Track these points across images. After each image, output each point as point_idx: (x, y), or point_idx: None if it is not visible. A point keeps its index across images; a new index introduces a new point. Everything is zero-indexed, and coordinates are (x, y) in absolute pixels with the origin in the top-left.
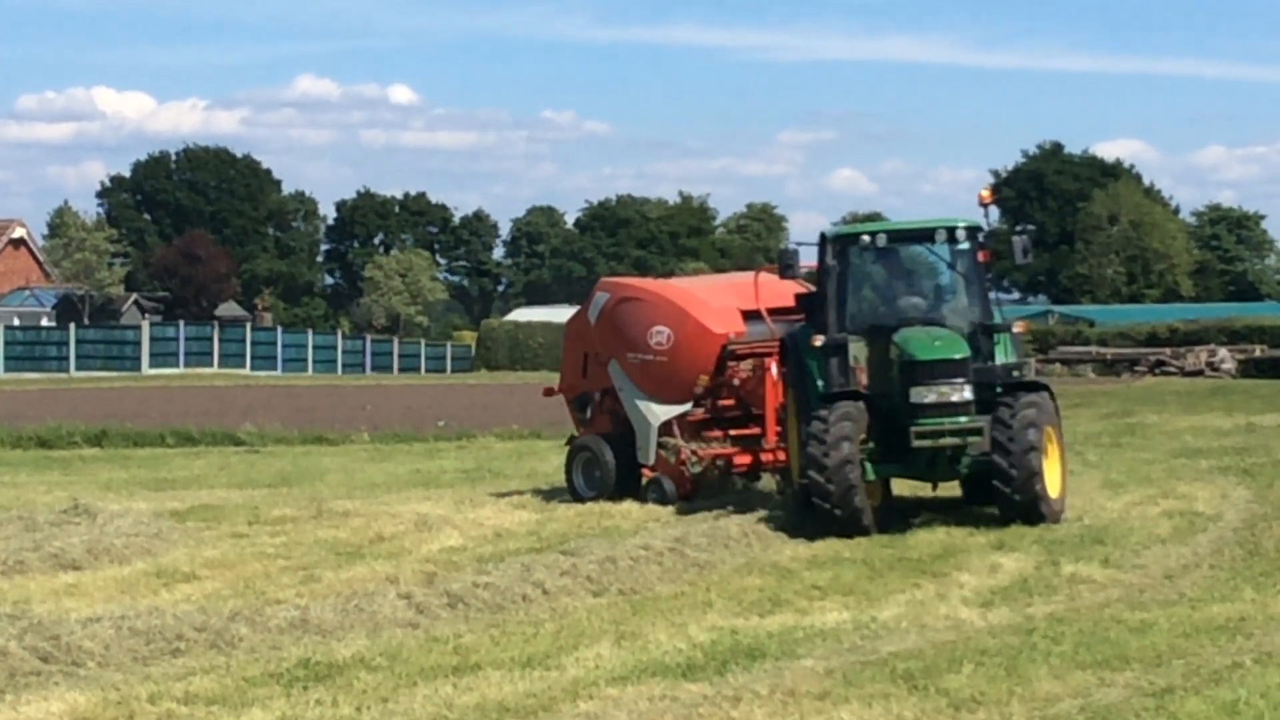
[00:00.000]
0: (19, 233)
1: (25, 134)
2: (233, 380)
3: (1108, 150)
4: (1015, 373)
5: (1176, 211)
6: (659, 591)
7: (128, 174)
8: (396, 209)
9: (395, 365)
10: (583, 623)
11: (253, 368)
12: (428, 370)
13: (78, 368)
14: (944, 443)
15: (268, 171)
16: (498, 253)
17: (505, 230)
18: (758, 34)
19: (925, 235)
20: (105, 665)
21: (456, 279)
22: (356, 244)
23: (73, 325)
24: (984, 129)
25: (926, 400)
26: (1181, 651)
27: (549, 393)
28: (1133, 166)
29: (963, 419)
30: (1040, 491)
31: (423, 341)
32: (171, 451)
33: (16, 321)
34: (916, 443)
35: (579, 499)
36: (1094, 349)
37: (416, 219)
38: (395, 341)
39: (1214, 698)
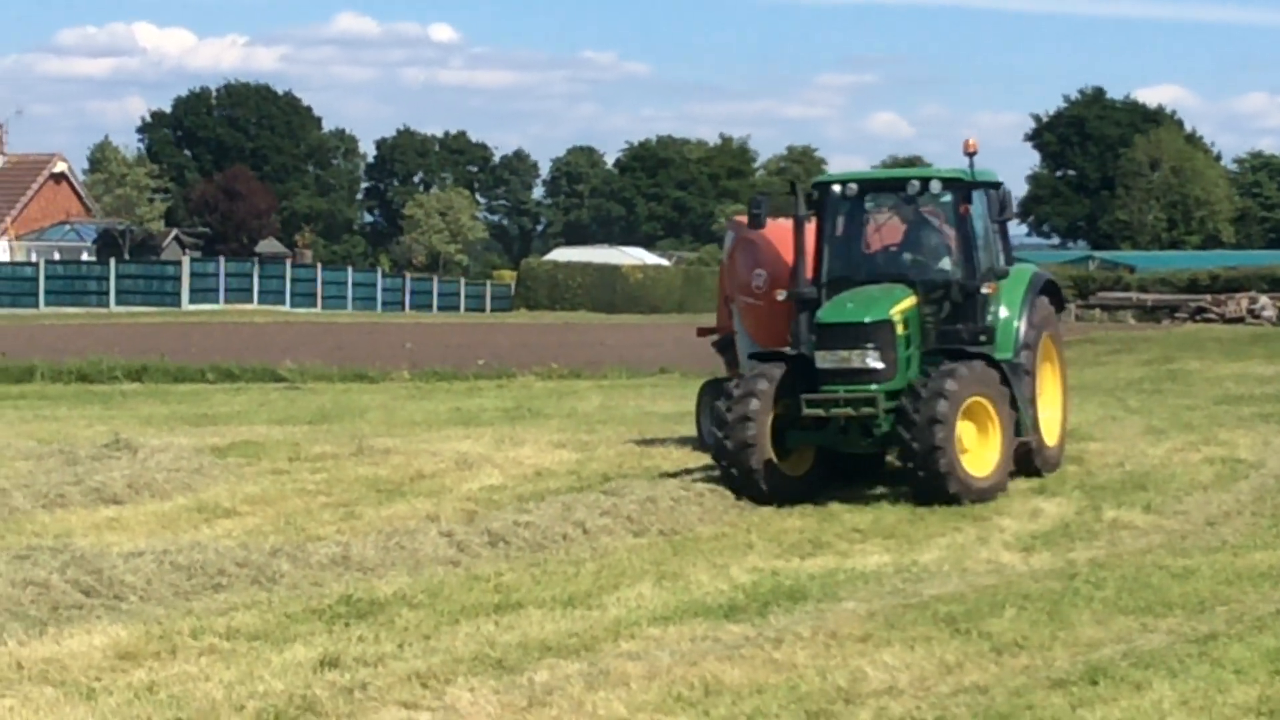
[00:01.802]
0: (60, 167)
1: (66, 69)
2: (272, 317)
3: (1149, 96)
4: (982, 337)
5: (1218, 158)
6: (699, 532)
7: (168, 110)
8: (436, 147)
9: (434, 304)
10: (623, 562)
11: (292, 304)
12: (467, 309)
13: (118, 303)
14: (836, 413)
15: (308, 108)
16: (537, 192)
17: (545, 170)
18: None
19: (899, 186)
20: (147, 599)
21: (496, 218)
22: (396, 182)
23: (113, 260)
24: (1025, 74)
25: (826, 365)
26: (1224, 598)
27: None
28: (1174, 112)
29: (873, 387)
30: (944, 467)
31: (462, 280)
32: (212, 387)
33: (57, 256)
34: (806, 410)
35: (704, 444)
36: (1134, 295)
37: (456, 158)
38: (435, 280)
39: (1257, 644)
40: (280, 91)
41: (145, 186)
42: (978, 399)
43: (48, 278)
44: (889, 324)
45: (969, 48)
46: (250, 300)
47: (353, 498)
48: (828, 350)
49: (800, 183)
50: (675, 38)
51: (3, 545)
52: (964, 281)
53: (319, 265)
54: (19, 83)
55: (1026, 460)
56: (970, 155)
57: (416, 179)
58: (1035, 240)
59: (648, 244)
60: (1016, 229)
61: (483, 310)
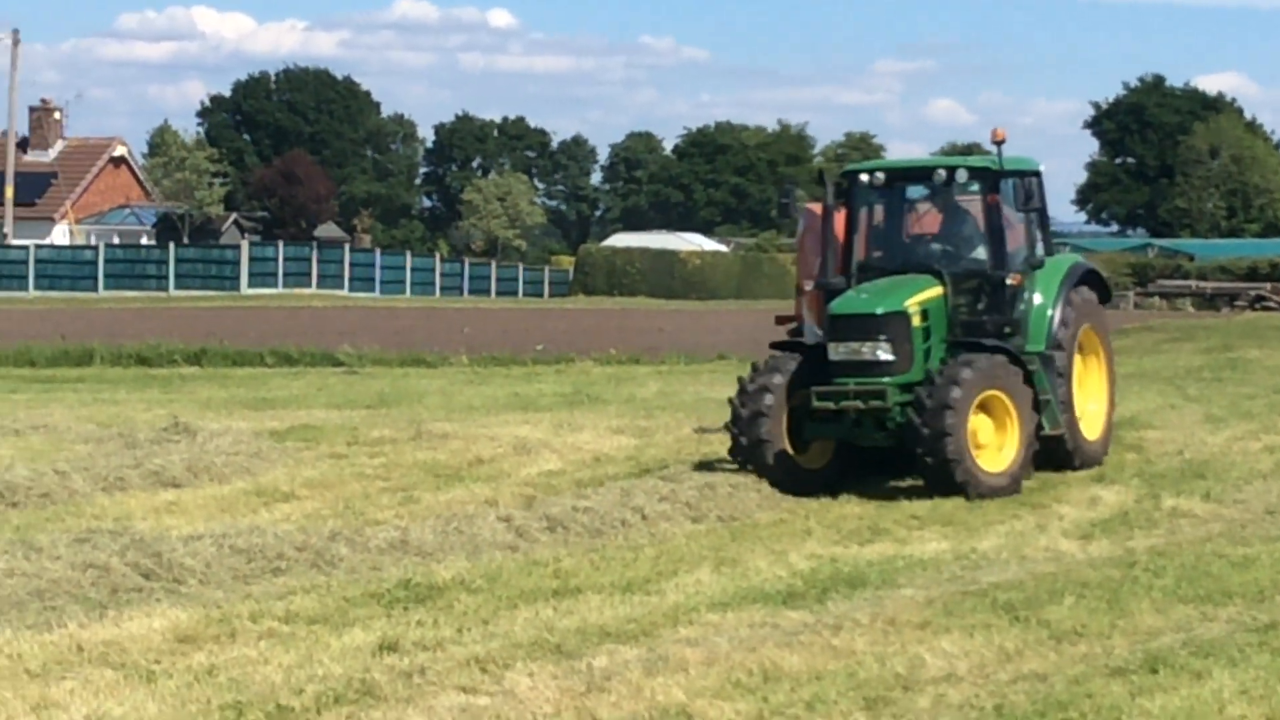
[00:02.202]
0: (119, 151)
1: (125, 53)
2: (331, 301)
3: (1209, 83)
4: (1007, 329)
5: (1278, 146)
6: (758, 519)
7: (228, 94)
8: (495, 133)
9: (493, 289)
10: (682, 548)
11: (351, 289)
12: (525, 294)
13: (177, 286)
14: (846, 405)
15: (367, 93)
16: (595, 178)
17: (603, 155)
18: None
19: (927, 174)
20: (206, 582)
21: (554, 204)
22: (455, 167)
23: (172, 244)
24: (1084, 61)
25: (837, 357)
26: None
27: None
28: (1234, 100)
29: (885, 380)
30: (952, 454)
31: (520, 265)
32: (270, 371)
33: (117, 239)
34: (816, 403)
35: None
36: (1193, 283)
37: (515, 143)
38: (493, 265)
39: None
40: (339, 76)
41: (204, 171)
42: (995, 393)
43: (107, 261)
44: (903, 316)
45: (1028, 34)
46: (309, 285)
47: (411, 482)
48: (839, 342)
49: (828, 171)
50: (734, 23)
51: (63, 528)
52: (990, 272)
53: (377, 250)
54: (79, 67)
55: (1060, 454)
56: (998, 144)
57: (475, 164)
58: (1094, 228)
59: (706, 230)
60: (1074, 217)
61: (541, 295)
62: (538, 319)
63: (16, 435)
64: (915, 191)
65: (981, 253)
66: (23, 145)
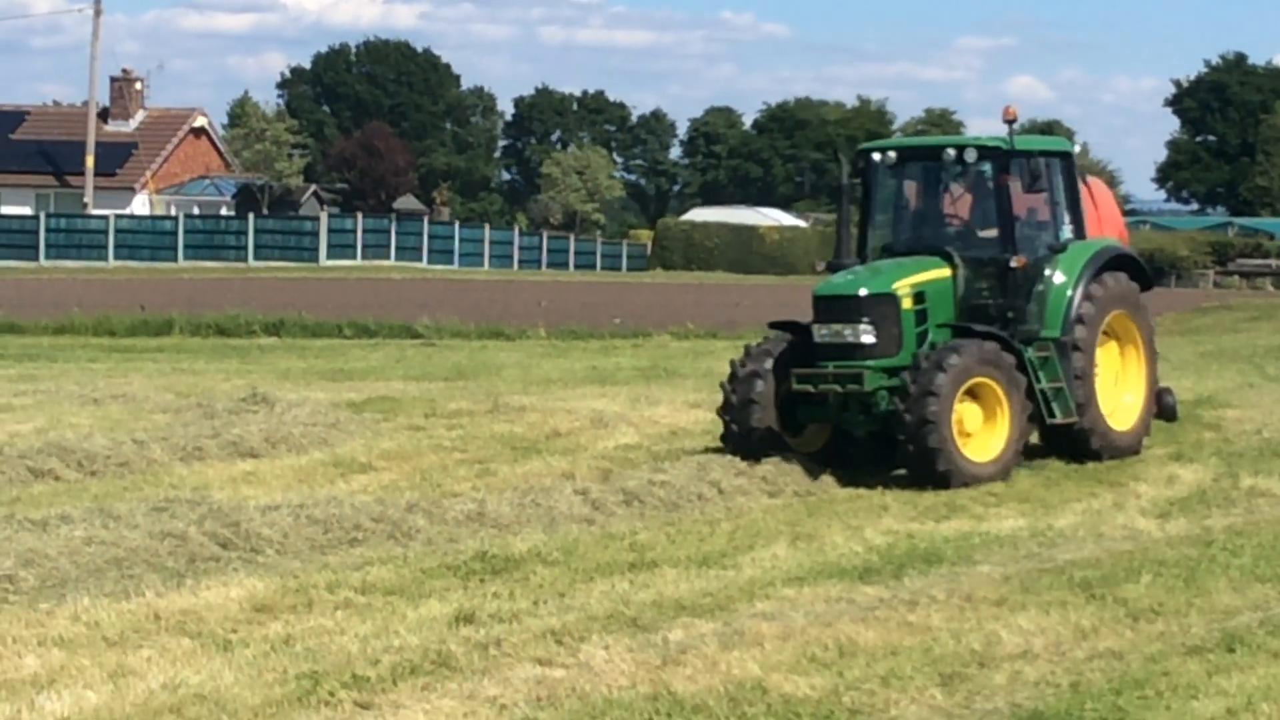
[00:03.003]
0: (200, 122)
1: (206, 24)
2: (409, 273)
3: None
4: (1010, 314)
5: None
6: (834, 494)
7: (308, 66)
8: (574, 106)
9: (571, 262)
10: (758, 523)
11: (429, 261)
12: (603, 268)
13: (256, 257)
14: (824, 388)
15: (447, 66)
16: (674, 152)
17: (682, 130)
18: None
19: (936, 154)
20: (284, 552)
21: (633, 178)
22: (534, 140)
23: (252, 215)
24: (1165, 38)
25: (820, 339)
26: None
27: None
28: None
29: (869, 363)
30: (934, 443)
31: (599, 239)
32: (348, 343)
33: (196, 210)
34: (795, 386)
35: None
36: (1273, 262)
37: (594, 117)
38: (571, 239)
39: None
40: (419, 49)
41: (284, 142)
42: (985, 380)
43: (187, 232)
44: (890, 298)
45: (1109, 11)
46: (387, 257)
47: (488, 455)
48: (822, 324)
49: (843, 151)
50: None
51: (141, 497)
52: (996, 255)
53: (456, 222)
54: (160, 38)
55: (1080, 444)
56: (1009, 123)
57: (554, 138)
58: (1174, 206)
59: (785, 205)
60: (1154, 195)
61: (619, 269)
62: (615, 293)
63: (96, 405)
64: (928, 171)
65: (981, 232)
66: (104, 115)
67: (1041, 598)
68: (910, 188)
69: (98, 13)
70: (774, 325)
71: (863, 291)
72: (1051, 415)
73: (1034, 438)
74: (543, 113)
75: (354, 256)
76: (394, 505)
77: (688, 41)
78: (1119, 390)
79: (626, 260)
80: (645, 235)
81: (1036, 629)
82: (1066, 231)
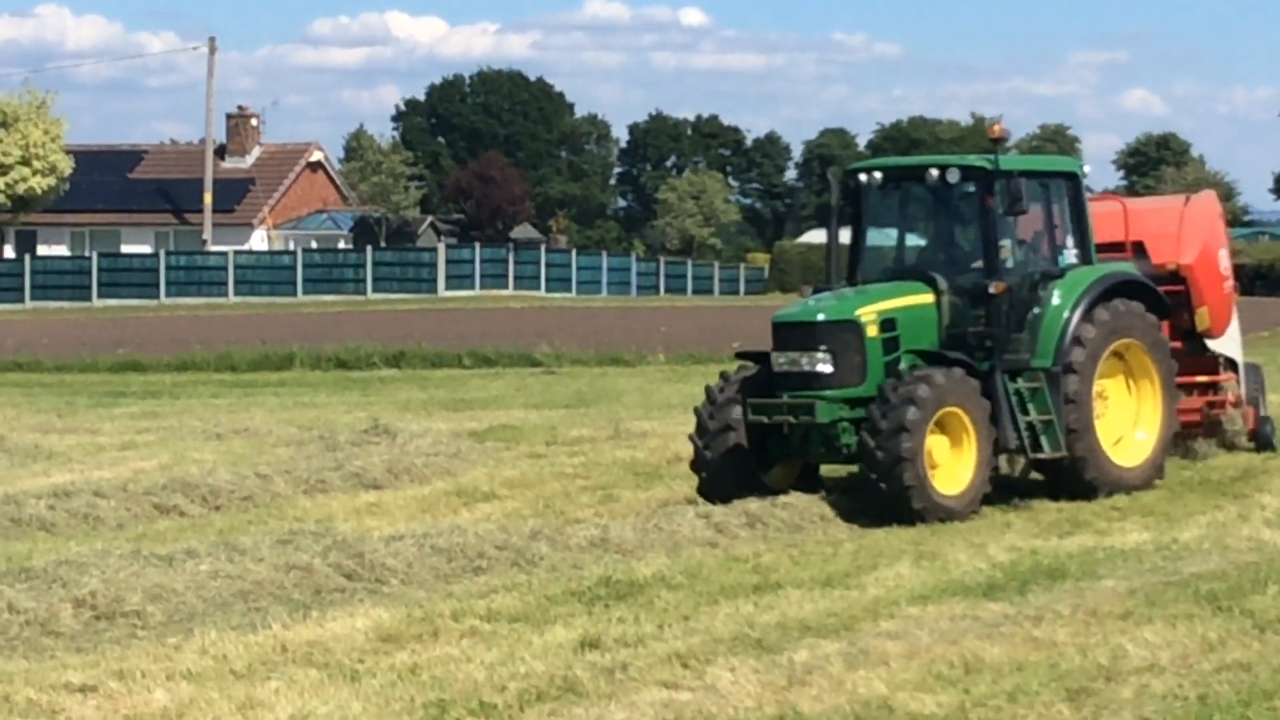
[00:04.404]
0: (316, 156)
1: (319, 59)
2: (528, 302)
3: None
4: (988, 342)
5: None
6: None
7: (422, 98)
8: (688, 131)
9: (689, 287)
10: (881, 543)
11: (547, 289)
12: (721, 292)
13: (374, 290)
14: (778, 419)
15: (560, 94)
16: (789, 175)
17: (797, 152)
18: None
19: (920, 174)
20: (408, 582)
21: (749, 201)
22: (649, 166)
23: (369, 247)
24: None
25: (778, 368)
26: None
27: None
28: None
29: (825, 393)
30: (909, 480)
31: (716, 263)
32: (468, 372)
33: (314, 244)
34: (750, 416)
35: None
36: None
37: (708, 141)
38: (688, 263)
39: None
40: (532, 78)
41: (400, 174)
42: (953, 409)
43: (305, 266)
44: (852, 325)
45: (1225, 23)
46: (505, 286)
47: (610, 480)
48: (780, 351)
49: (834, 170)
50: (926, 18)
51: (266, 530)
52: (978, 281)
53: (573, 250)
54: (274, 74)
55: (1072, 480)
56: (995, 141)
57: (669, 163)
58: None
59: None
60: (1272, 205)
61: (737, 293)
62: (734, 317)
63: (219, 439)
64: (916, 192)
65: (965, 256)
66: (220, 152)
67: (1167, 611)
68: (898, 209)
69: (212, 51)
70: (740, 355)
71: (820, 318)
72: (1038, 450)
73: (1015, 469)
74: (657, 138)
75: (472, 286)
76: (517, 533)
77: (800, 63)
78: (1129, 425)
79: (744, 284)
80: (762, 258)
81: (1163, 642)
82: (1069, 256)
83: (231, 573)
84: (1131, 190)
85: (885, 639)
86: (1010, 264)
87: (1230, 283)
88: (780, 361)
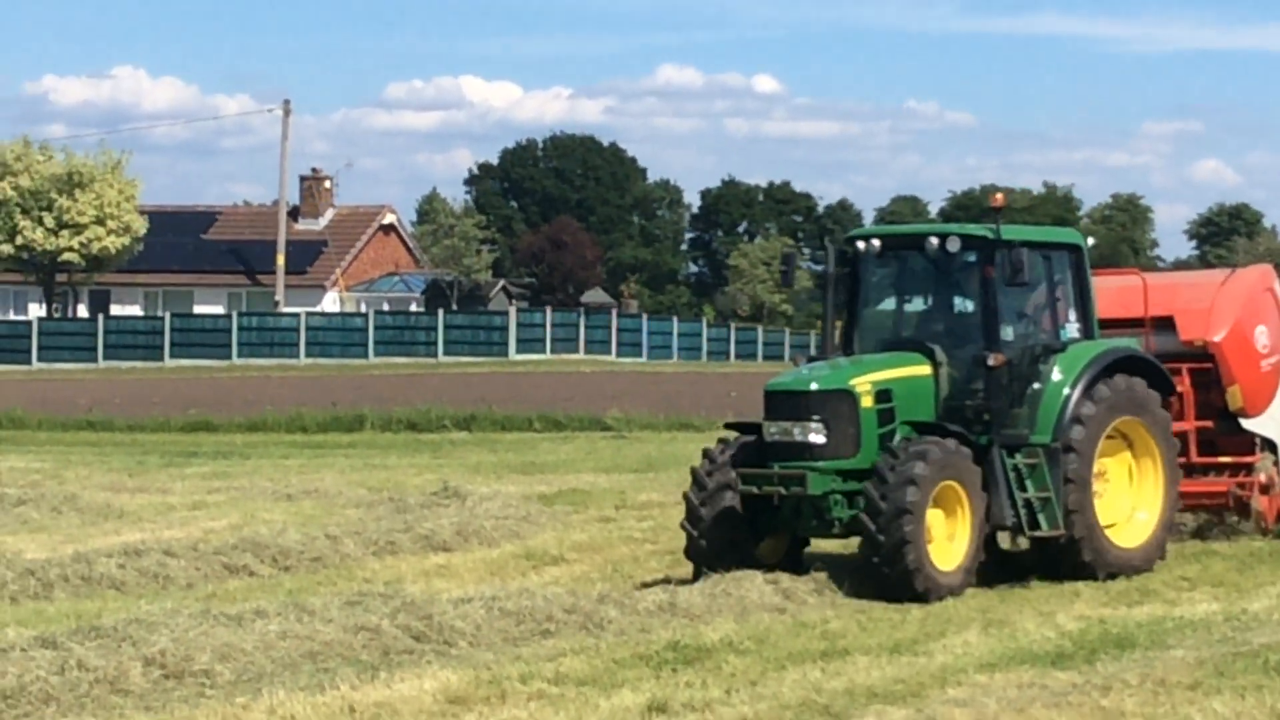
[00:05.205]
0: (389, 219)
1: (393, 123)
2: (599, 366)
3: None
4: (985, 415)
5: None
6: (1026, 580)
7: (495, 162)
8: (760, 197)
9: (759, 353)
10: (949, 609)
11: (618, 354)
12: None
13: (445, 353)
14: (768, 490)
15: (633, 159)
16: None
17: (869, 219)
18: (1121, 24)
19: (920, 243)
20: (477, 645)
21: (820, 268)
22: (721, 232)
23: (441, 311)
24: None
25: (770, 438)
26: None
27: None
28: None
29: (817, 464)
30: (914, 563)
31: (788, 330)
32: (539, 436)
33: (386, 306)
34: (740, 487)
35: None
36: None
37: (780, 207)
38: (759, 329)
39: None
40: (605, 143)
41: (473, 238)
42: (949, 483)
43: (377, 328)
44: (847, 395)
45: None
46: (576, 350)
47: (679, 545)
48: (771, 421)
49: (832, 238)
50: (999, 87)
51: (335, 591)
52: (978, 352)
53: (644, 315)
54: (348, 137)
55: (1070, 559)
56: (995, 210)
57: (741, 229)
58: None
59: None
60: None
61: None
62: None
63: (289, 500)
64: (914, 261)
65: (964, 327)
66: (294, 214)
67: (1236, 681)
68: (897, 278)
69: (287, 113)
70: (730, 426)
71: (813, 387)
72: (1035, 527)
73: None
74: (729, 204)
75: (543, 350)
76: (586, 597)
77: (873, 132)
78: (1130, 505)
79: (814, 350)
80: None
81: (1232, 713)
82: (1071, 330)
83: (300, 633)
84: (1204, 260)
85: (953, 706)
86: (1010, 336)
87: (1273, 360)
88: (772, 431)
